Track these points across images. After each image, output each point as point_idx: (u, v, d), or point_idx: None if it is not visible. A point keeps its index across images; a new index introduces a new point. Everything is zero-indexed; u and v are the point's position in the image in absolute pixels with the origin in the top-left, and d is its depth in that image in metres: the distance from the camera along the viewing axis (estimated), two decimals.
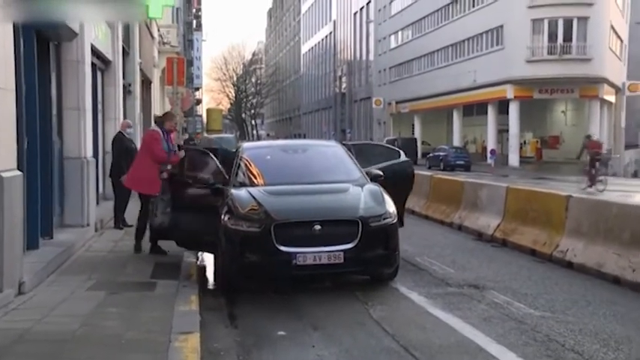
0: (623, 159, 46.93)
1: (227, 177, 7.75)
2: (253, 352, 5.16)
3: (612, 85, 42.19)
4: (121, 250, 9.01)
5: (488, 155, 40.15)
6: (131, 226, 10.37)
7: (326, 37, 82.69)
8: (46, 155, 8.48)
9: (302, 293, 6.96)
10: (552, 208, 9.06)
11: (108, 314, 5.72)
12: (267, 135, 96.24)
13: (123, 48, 15.05)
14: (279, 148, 9.30)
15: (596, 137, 27.50)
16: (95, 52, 11.67)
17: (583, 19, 38.13)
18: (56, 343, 4.89)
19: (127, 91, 16.21)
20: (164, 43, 26.65)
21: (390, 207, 7.11)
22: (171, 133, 8.76)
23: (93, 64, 11.62)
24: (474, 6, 44.84)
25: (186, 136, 39.95)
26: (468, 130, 49.56)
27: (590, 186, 21.98)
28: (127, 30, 16.38)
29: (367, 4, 66.80)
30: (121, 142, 10.73)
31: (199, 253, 8.91)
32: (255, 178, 7.78)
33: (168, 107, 23.71)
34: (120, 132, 11.12)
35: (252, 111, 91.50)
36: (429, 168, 36.71)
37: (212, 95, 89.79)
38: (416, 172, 9.32)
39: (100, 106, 13.08)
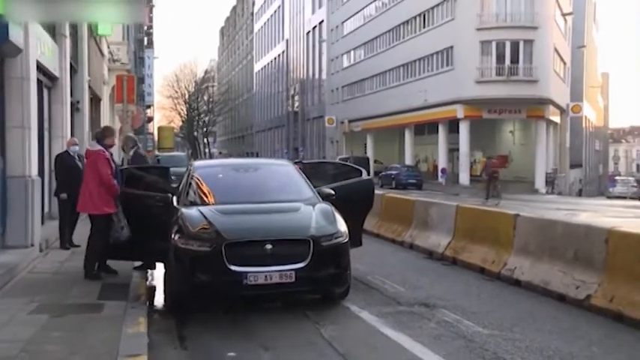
0: (568, 178, 48.31)
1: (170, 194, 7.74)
2: None
3: (557, 106, 43.54)
4: (66, 271, 8.78)
5: (440, 174, 40.85)
6: (78, 246, 10.15)
7: (279, 55, 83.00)
8: None
9: (253, 313, 6.91)
10: (500, 227, 9.24)
11: (51, 338, 5.55)
12: (220, 153, 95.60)
13: (71, 65, 14.80)
14: (231, 166, 9.24)
15: (495, 159, 30.93)
16: (41, 68, 11.44)
17: (529, 42, 39.34)
18: None
19: (75, 108, 15.92)
20: (114, 61, 26.30)
21: (342, 226, 7.13)
22: (110, 148, 8.55)
23: (39, 81, 11.39)
24: (424, 27, 45.77)
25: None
26: (420, 149, 50.30)
27: (487, 199, 25.13)
28: (75, 46, 16.13)
29: (320, 23, 67.44)
30: (62, 160, 10.51)
31: (149, 273, 8.76)
32: (207, 196, 7.72)
33: (118, 125, 23.34)
34: (66, 150, 10.91)
35: (205, 129, 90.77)
36: (382, 186, 37.04)
37: (164, 113, 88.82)
38: None
39: (46, 124, 12.80)
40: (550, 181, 41.01)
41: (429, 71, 44.81)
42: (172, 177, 9.83)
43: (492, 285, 8.48)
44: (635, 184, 53.92)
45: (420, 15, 46.20)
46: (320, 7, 67.78)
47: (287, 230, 6.83)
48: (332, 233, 6.91)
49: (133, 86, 22.78)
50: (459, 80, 40.05)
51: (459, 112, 40.52)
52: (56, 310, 6.49)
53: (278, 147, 78.24)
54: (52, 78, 13.08)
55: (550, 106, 41.38)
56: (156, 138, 62.94)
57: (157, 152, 49.26)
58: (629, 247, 6.76)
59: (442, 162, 42.67)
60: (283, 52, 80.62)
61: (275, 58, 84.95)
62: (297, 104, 74.12)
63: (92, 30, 18.17)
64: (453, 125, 42.30)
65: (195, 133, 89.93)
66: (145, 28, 54.22)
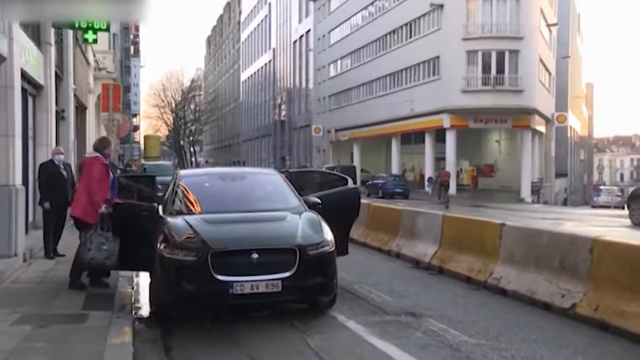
0: (554, 187, 48.65)
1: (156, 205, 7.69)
2: None
3: (542, 115, 43.88)
4: (51, 280, 8.70)
5: (426, 183, 40.97)
6: (63, 255, 10.07)
7: (265, 64, 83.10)
8: None
9: (239, 323, 6.88)
10: (486, 236, 9.27)
11: (34, 349, 5.49)
12: (206, 162, 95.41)
13: (56, 73, 14.74)
14: (217, 175, 9.21)
15: (447, 169, 37.02)
16: (26, 77, 11.38)
17: (514, 52, 39.66)
18: None
19: (60, 117, 15.84)
20: (100, 69, 26.23)
21: (328, 235, 7.13)
22: (108, 158, 8.52)
23: (23, 90, 11.32)
24: (410, 37, 46.02)
25: (125, 162, 39.19)
26: (406, 158, 50.45)
27: (446, 207, 27.06)
28: (61, 55, 16.06)
29: (307, 32, 67.66)
30: (46, 169, 10.42)
31: (134, 283, 8.71)
32: (192, 205, 7.69)
33: (103, 134, 23.25)
34: (50, 159, 10.82)
35: (191, 138, 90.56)
36: (368, 196, 37.05)
37: (150, 122, 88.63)
38: None
39: (30, 133, 12.71)
40: (536, 191, 41.29)
41: (415, 81, 45.03)
42: (159, 186, 9.80)
43: (479, 294, 8.50)
44: (619, 194, 54.42)
45: (406, 25, 46.46)
46: (307, 16, 68.04)
47: (273, 239, 6.82)
48: (318, 242, 6.91)
49: (119, 95, 22.76)
50: (446, 90, 40.27)
51: (446, 121, 40.72)
52: (40, 321, 6.43)
53: (265, 156, 78.25)
54: (37, 86, 13.02)
55: (535, 116, 41.71)
56: (142, 147, 62.73)
57: (143, 161, 49.07)
58: (614, 256, 6.81)
59: (429, 171, 42.82)
60: (270, 61, 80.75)
61: (262, 67, 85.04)
62: (284, 113, 74.19)
63: (78, 38, 18.11)
64: (439, 134, 42.48)
65: (182, 142, 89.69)
66: (132, 36, 54.12)
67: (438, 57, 41.86)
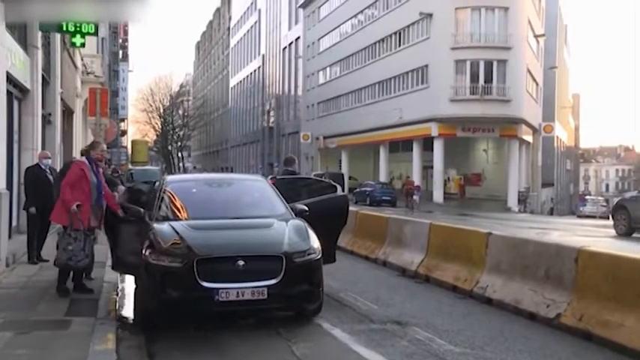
0: (540, 197, 48.91)
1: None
2: None
3: (530, 125, 44.18)
4: (34, 286, 8.62)
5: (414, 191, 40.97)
6: (47, 260, 9.97)
7: (255, 71, 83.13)
8: None
9: (224, 330, 6.84)
10: (473, 245, 9.29)
11: (15, 356, 5.42)
12: (194, 168, 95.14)
13: (43, 77, 14.64)
14: (204, 181, 9.18)
15: (412, 178, 40.00)
16: (11, 80, 11.29)
17: (502, 62, 39.95)
18: None
19: (47, 121, 15.73)
20: (88, 73, 26.08)
21: (315, 242, 7.12)
22: (99, 162, 8.34)
23: (9, 93, 11.23)
24: (399, 45, 46.22)
25: (112, 167, 38.89)
26: (394, 166, 50.61)
27: (413, 212, 29.99)
28: (48, 58, 15.97)
29: (296, 39, 67.78)
30: (32, 174, 10.31)
31: (119, 289, 8.64)
32: (179, 211, 7.65)
33: (90, 138, 23.10)
34: (37, 163, 10.73)
35: (179, 143, 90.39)
36: (356, 203, 37.13)
37: (138, 126, 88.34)
38: None
39: (16, 136, 12.61)
40: (522, 200, 41.54)
41: (404, 89, 45.21)
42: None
43: (464, 303, 8.51)
44: (605, 204, 54.76)
45: (395, 33, 46.68)
46: (296, 23, 68.19)
47: (259, 246, 6.80)
48: (305, 250, 6.89)
49: (107, 99, 22.64)
50: (434, 98, 40.46)
51: (434, 129, 40.90)
52: (22, 327, 6.36)
53: (253, 162, 78.13)
54: (23, 90, 12.92)
55: (523, 126, 42.00)
56: (129, 152, 62.49)
57: (130, 166, 48.87)
58: (598, 267, 6.85)
59: (416, 179, 42.92)
60: (259, 67, 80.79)
61: (251, 74, 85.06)
62: (272, 120, 74.22)
63: (65, 42, 18.02)
64: (427, 143, 42.67)
65: (170, 148, 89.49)
66: (120, 41, 53.98)
67: (426, 66, 42.07)
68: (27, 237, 10.44)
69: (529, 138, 45.58)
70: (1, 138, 9.97)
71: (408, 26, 44.78)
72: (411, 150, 44.07)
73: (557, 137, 60.67)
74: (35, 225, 10.07)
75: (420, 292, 9.32)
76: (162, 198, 7.87)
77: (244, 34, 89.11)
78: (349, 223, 14.13)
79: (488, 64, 39.94)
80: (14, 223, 11.97)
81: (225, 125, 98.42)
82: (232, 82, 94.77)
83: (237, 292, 6.41)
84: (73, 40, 13.97)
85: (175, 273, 6.45)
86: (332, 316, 7.46)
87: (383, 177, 47.52)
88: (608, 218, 29.10)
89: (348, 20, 55.74)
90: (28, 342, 5.85)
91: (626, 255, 6.72)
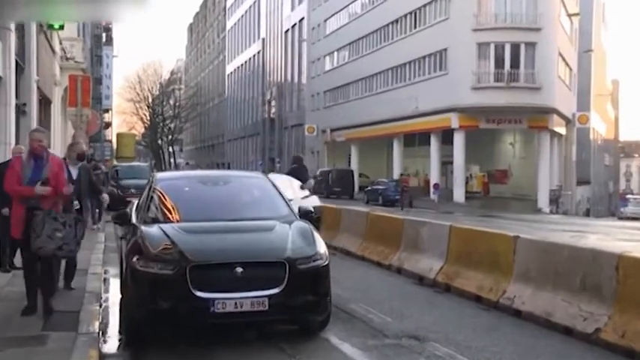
0: (575, 196, 48.74)
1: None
2: None
3: (562, 115, 43.99)
4: (7, 297, 8.62)
5: (432, 190, 41.01)
6: (21, 268, 9.95)
7: (254, 56, 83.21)
8: None
9: (221, 345, 6.84)
10: (499, 250, 9.25)
11: None
12: (187, 164, 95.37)
13: (17, 62, 14.66)
14: (198, 179, 9.20)
15: (408, 174, 44.09)
16: None
17: (531, 45, 39.79)
18: None
19: (21, 111, 15.76)
20: (67, 59, 26.14)
21: (321, 247, 7.12)
22: (37, 153, 8.14)
23: None
24: (415, 27, 46.15)
25: (93, 164, 38.97)
26: (410, 161, 50.55)
27: (402, 209, 31.85)
28: (23, 42, 15.99)
29: (300, 21, 67.75)
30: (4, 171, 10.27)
31: (102, 300, 8.64)
32: (170, 213, 7.67)
33: (70, 130, 23.18)
34: (10, 159, 10.71)
35: (170, 137, 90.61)
36: (367, 203, 37.14)
37: (124, 118, 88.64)
38: (352, 208, 9.36)
39: None
40: (554, 200, 41.40)
41: (420, 76, 45.15)
42: (133, 190, 9.77)
43: (489, 315, 8.48)
44: None
45: (410, 14, 46.62)
46: (300, 3, 68.15)
47: (260, 251, 6.81)
48: (310, 255, 6.89)
49: (89, 88, 22.69)
50: (454, 86, 40.37)
51: (454, 121, 40.82)
52: None
53: (252, 158, 78.26)
54: None
55: (554, 116, 41.83)
56: (114, 146, 62.68)
57: (115, 162, 48.98)
58: None
59: (434, 176, 42.89)
60: (259, 52, 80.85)
61: (250, 59, 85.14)
62: (273, 110, 74.27)
63: (42, 24, 18.05)
64: (446, 136, 42.59)
65: (160, 142, 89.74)
66: (104, 23, 54.07)
67: (445, 50, 41.98)
68: None
69: (561, 130, 45.43)
70: None
71: (425, 5, 44.71)
72: (429, 144, 44.02)
73: (594, 129, 60.46)
74: (7, 228, 10.04)
75: (440, 303, 9.31)
76: (152, 198, 7.90)
77: (242, 16, 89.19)
78: (360, 225, 14.23)
79: (515, 48, 39.79)
80: None
81: (221, 117, 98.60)
82: (229, 68, 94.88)
83: (235, 303, 6.40)
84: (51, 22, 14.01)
85: (166, 281, 6.44)
86: (340, 330, 7.45)
87: (397, 174, 47.46)
88: None
89: None
90: None
91: None
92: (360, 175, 52.61)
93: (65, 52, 26.09)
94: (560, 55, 43.73)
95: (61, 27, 14.77)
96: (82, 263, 9.57)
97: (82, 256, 9.82)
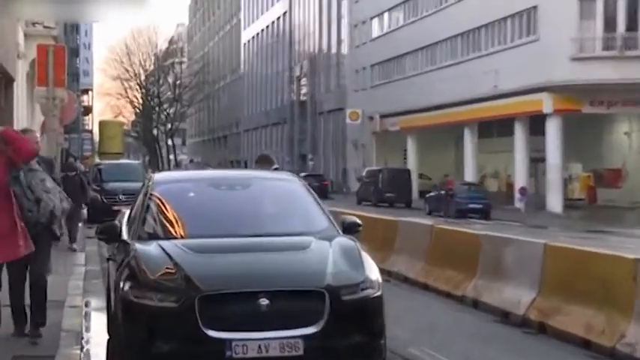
0: None
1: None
2: None
3: None
4: None
5: (517, 196, 40.80)
6: None
7: (278, 18, 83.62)
8: None
9: None
10: (614, 278, 9.16)
11: None
12: (191, 161, 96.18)
13: None
14: (208, 182, 9.21)
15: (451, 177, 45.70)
16: None
17: None
18: None
19: None
20: (34, 24, 26.50)
21: (372, 272, 7.10)
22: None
23: None
24: None
25: (69, 162, 39.44)
26: (486, 158, 50.33)
27: (442, 216, 34.55)
28: None
29: None
30: None
31: (84, 341, 8.73)
32: (172, 226, 7.74)
33: (39, 116, 23.46)
34: None
35: (169, 125, 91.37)
36: (429, 214, 37.03)
37: (109, 101, 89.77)
38: (412, 219, 9.34)
39: None
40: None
41: (501, 43, 44.96)
42: (121, 196, 9.88)
43: None
44: None
45: None
46: None
47: (291, 278, 6.83)
48: (357, 282, 6.88)
49: (64, 61, 22.90)
50: (547, 57, 40.07)
51: (546, 104, 40.53)
52: None
53: (276, 153, 78.52)
54: None
55: None
56: (96, 138, 63.45)
57: (97, 159, 49.52)
58: None
59: (520, 178, 42.63)
60: (285, 13, 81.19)
61: (272, 23, 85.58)
62: (304, 91, 74.52)
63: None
64: (536, 124, 42.30)
65: (156, 132, 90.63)
66: None
67: (534, 7, 41.74)
68: None
69: None
70: None
71: None
72: (512, 134, 43.82)
73: None
74: None
75: (531, 349, 9.29)
76: (148, 206, 7.96)
77: None
78: (421, 243, 14.22)
79: (632, 3, 39.39)
80: None
81: (235, 100, 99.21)
82: (245, 36, 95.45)
83: (260, 346, 6.42)
84: None
85: (169, 317, 6.50)
86: None
87: (469, 175, 47.26)
88: None
89: None
90: None
91: None
92: (420, 176, 52.47)
93: None
94: None
95: None
96: (55, 293, 9.65)
97: (57, 283, 9.93)
